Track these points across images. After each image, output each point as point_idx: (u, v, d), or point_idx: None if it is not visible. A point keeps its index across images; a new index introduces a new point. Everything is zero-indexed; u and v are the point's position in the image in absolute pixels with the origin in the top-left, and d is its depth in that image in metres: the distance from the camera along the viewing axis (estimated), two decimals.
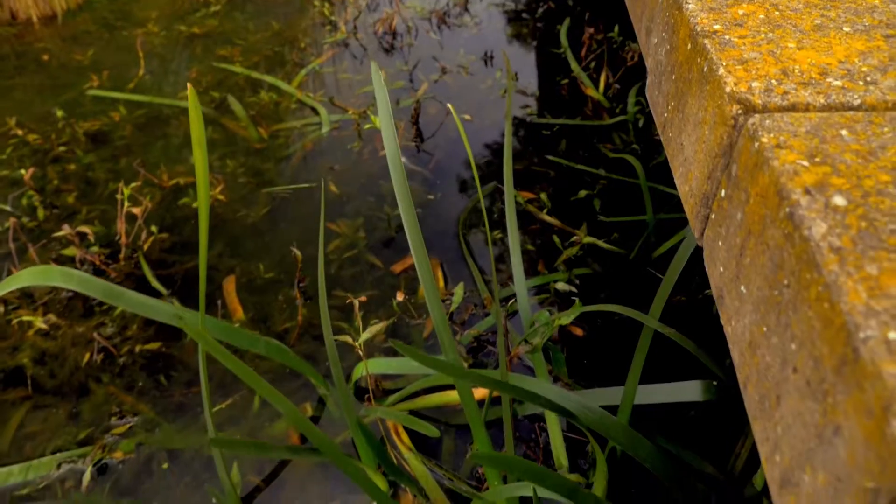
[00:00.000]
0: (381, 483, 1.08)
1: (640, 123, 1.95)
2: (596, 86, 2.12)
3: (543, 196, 1.67)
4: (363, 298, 1.02)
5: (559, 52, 2.35)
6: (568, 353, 1.28)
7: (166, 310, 1.04)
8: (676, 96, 0.72)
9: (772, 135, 0.50)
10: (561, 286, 1.40)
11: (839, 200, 0.43)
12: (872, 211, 0.43)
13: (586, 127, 1.97)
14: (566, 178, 1.77)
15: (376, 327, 1.01)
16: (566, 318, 1.00)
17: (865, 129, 0.50)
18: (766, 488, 1.06)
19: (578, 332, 1.33)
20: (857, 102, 0.54)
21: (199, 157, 0.72)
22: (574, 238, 1.53)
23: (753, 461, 1.10)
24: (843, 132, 0.50)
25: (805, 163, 0.47)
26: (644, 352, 0.89)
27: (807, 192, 0.44)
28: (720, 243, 0.57)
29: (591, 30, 2.20)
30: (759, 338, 0.48)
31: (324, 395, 1.25)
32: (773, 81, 0.57)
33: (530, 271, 1.48)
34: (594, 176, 1.76)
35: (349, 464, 0.85)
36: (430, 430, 1.05)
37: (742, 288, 0.51)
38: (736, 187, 0.54)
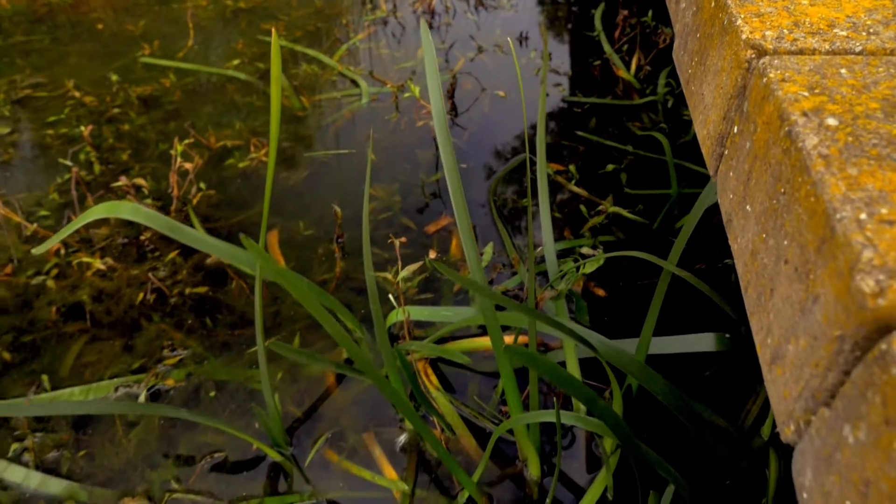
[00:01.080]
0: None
1: (669, 104, 2.01)
2: (627, 68, 2.18)
3: (572, 168, 1.74)
4: (403, 239, 1.10)
5: (593, 34, 2.41)
6: (590, 312, 1.36)
7: (223, 247, 1.13)
8: (699, 52, 0.79)
9: (778, 71, 0.57)
10: (586, 250, 1.47)
11: (831, 121, 0.51)
12: (859, 129, 0.50)
13: (616, 106, 2.03)
14: (595, 152, 1.84)
15: (413, 266, 1.09)
16: (591, 266, 1.07)
17: (863, 70, 0.57)
18: (772, 438, 1.12)
19: (601, 292, 1.41)
20: (858, 49, 0.61)
21: (274, 92, 0.80)
22: (600, 207, 1.60)
23: (762, 417, 1.17)
24: (843, 71, 0.57)
25: (805, 93, 0.54)
26: (661, 296, 0.96)
27: (804, 114, 0.52)
28: (731, 174, 0.65)
29: (626, 12, 2.26)
30: (759, 245, 0.55)
31: (359, 339, 1.33)
32: (785, 31, 0.64)
33: (557, 238, 1.56)
34: (622, 151, 1.83)
35: (387, 386, 0.94)
36: (463, 359, 1.13)
37: (747, 207, 0.59)
38: (746, 120, 0.61)
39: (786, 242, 0.49)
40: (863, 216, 0.42)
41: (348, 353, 0.95)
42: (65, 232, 1.06)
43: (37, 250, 1.09)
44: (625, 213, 1.59)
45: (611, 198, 1.63)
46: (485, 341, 1.27)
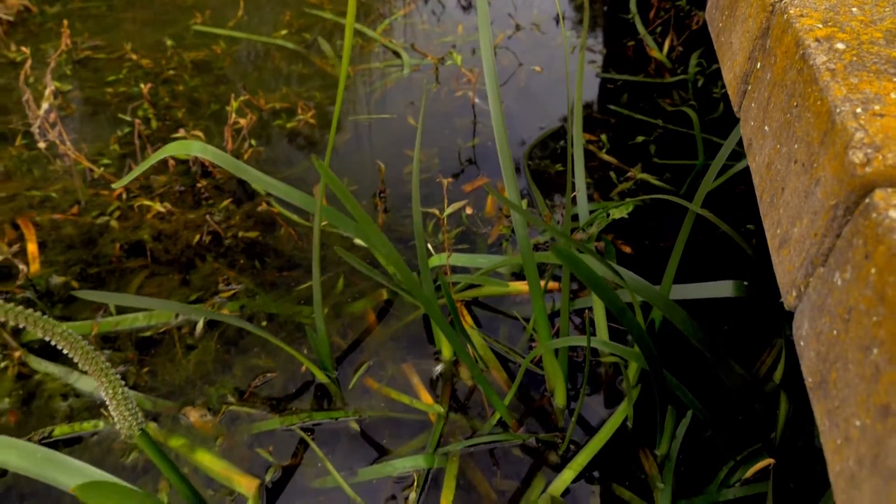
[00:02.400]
0: (447, 349, 1.27)
1: (700, 83, 2.08)
2: (660, 49, 2.25)
3: (604, 137, 1.82)
4: (450, 179, 1.19)
5: (628, 17, 2.48)
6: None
7: (281, 186, 1.24)
8: (729, 7, 0.88)
9: (798, 8, 0.66)
10: (614, 212, 1.56)
11: (840, 45, 0.59)
12: (863, 52, 0.58)
13: (648, 84, 2.11)
14: (625, 125, 1.92)
15: (457, 204, 1.18)
16: (621, 212, 1.16)
17: (871, 9, 0.65)
18: (783, 382, 1.20)
19: (627, 249, 1.49)
20: None
21: (348, 33, 0.89)
22: (629, 174, 1.69)
23: (775, 366, 1.25)
24: (854, 9, 0.65)
25: (819, 25, 0.63)
26: (685, 235, 1.05)
27: (817, 40, 0.60)
28: (753, 105, 0.73)
29: None
30: (773, 156, 0.64)
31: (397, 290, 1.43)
32: None
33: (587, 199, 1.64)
34: (652, 125, 1.91)
35: (433, 306, 1.03)
36: (501, 284, 1.22)
37: (765, 127, 0.67)
38: (768, 55, 0.70)
39: (796, 146, 0.58)
40: (858, 110, 0.50)
41: (398, 275, 1.04)
42: (144, 166, 1.17)
43: (117, 184, 1.20)
44: (652, 179, 1.67)
45: (639, 166, 1.71)
46: (516, 286, 1.36)
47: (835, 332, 0.46)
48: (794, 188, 0.57)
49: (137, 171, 1.15)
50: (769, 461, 1.02)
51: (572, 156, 1.45)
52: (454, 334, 1.05)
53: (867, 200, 0.45)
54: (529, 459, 1.12)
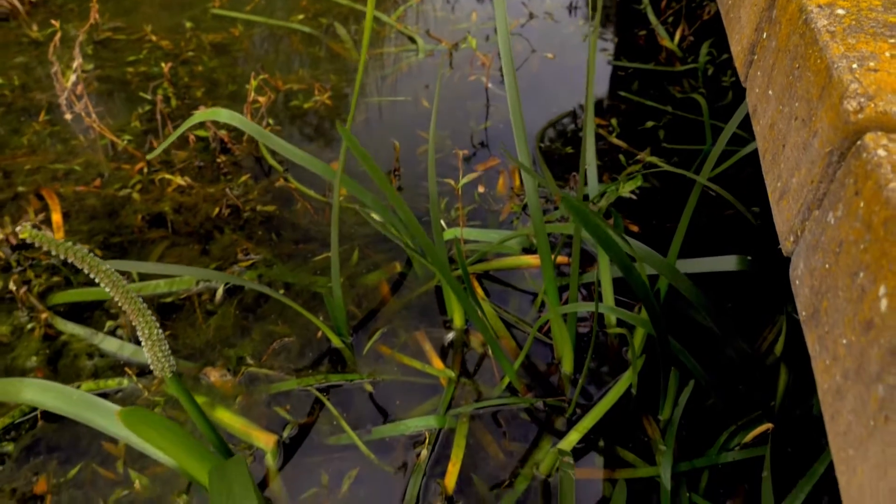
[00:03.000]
0: (458, 317, 1.31)
1: (710, 72, 2.11)
2: (671, 38, 2.28)
3: (614, 121, 1.86)
4: (465, 151, 1.23)
5: (640, 7, 2.52)
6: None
7: (303, 155, 1.28)
8: None
9: None
10: (623, 187, 1.59)
11: (840, 11, 0.63)
12: (862, 17, 0.62)
13: (658, 72, 2.14)
14: (635, 111, 1.95)
15: (472, 174, 1.23)
16: (630, 186, 1.20)
17: None
18: (784, 354, 1.24)
19: (634, 228, 1.53)
20: None
21: (369, 10, 0.94)
22: (638, 157, 1.72)
23: (776, 342, 1.29)
24: None
25: None
26: (692, 207, 1.09)
27: (819, 6, 0.64)
28: (759, 73, 0.77)
29: None
30: (776, 117, 0.68)
31: (412, 256, 1.48)
32: None
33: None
34: (661, 111, 1.94)
35: (446, 270, 1.08)
36: (514, 249, 1.26)
37: (769, 91, 0.71)
38: (773, 24, 0.73)
39: (797, 104, 0.62)
40: (854, 66, 0.54)
41: (416, 238, 1.08)
42: (177, 133, 1.21)
43: (151, 155, 1.25)
44: (660, 162, 1.71)
45: (648, 150, 1.74)
46: (527, 259, 1.41)
47: (827, 265, 0.50)
48: (794, 142, 0.61)
49: (172, 137, 1.20)
50: (768, 426, 1.06)
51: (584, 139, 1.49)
52: (466, 297, 1.10)
53: (858, 143, 0.49)
54: (537, 423, 1.16)
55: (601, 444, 1.13)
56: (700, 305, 1.05)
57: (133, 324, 0.73)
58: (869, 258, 0.43)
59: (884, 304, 0.40)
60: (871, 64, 0.55)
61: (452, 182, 1.23)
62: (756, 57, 0.79)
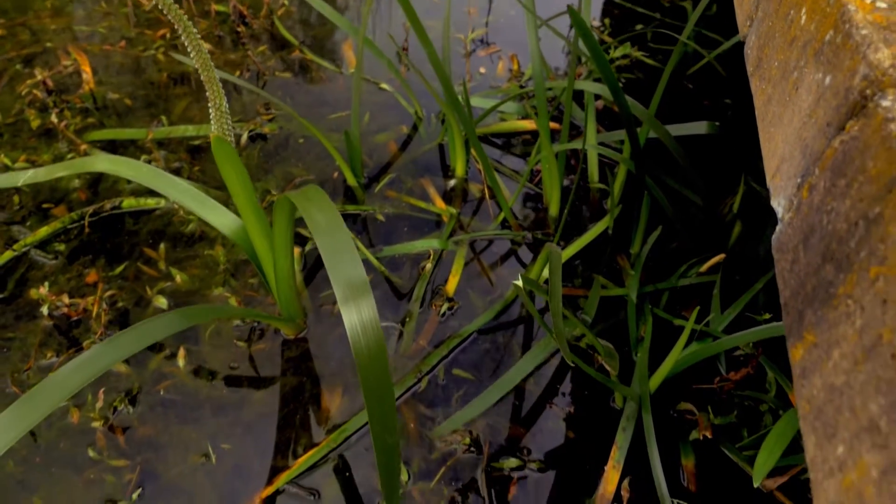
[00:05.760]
0: (460, 166, 1.48)
1: None
2: None
3: (607, 21, 2.01)
4: (475, 8, 1.37)
5: None
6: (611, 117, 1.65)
7: (331, 11, 1.41)
8: None
9: None
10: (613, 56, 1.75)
11: None
12: None
13: None
14: (626, 16, 2.10)
15: (480, 30, 1.37)
16: (621, 51, 1.35)
17: None
18: (739, 212, 1.43)
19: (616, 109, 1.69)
20: None
21: None
22: (626, 52, 1.88)
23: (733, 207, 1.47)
24: None
25: None
26: (672, 66, 1.25)
27: None
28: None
29: None
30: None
31: (417, 122, 1.63)
32: None
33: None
34: (650, 17, 2.09)
35: (457, 104, 1.23)
36: (512, 117, 1.42)
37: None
38: None
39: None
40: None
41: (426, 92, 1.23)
42: None
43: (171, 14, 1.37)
44: (644, 57, 1.86)
45: (636, 47, 1.90)
46: (523, 123, 1.57)
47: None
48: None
49: None
50: (721, 256, 1.25)
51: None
52: (471, 125, 1.26)
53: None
54: (526, 252, 1.35)
55: (580, 268, 1.31)
56: (675, 151, 1.23)
57: (207, 93, 0.88)
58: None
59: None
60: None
61: (462, 36, 1.37)
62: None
